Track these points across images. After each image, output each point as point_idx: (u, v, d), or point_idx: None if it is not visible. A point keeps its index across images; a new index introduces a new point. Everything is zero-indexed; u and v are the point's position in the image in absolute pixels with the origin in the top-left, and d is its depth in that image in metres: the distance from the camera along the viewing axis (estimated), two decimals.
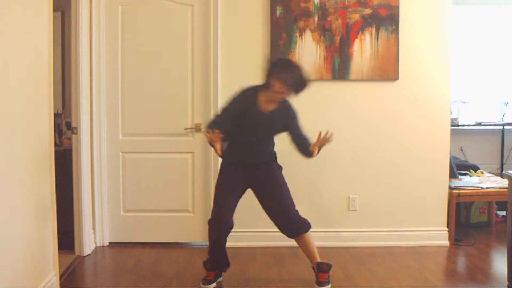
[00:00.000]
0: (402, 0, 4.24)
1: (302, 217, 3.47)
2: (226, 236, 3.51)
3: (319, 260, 3.52)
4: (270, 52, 4.22)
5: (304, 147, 3.41)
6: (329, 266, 3.53)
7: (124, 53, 4.31)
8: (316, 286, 3.46)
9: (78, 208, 4.09)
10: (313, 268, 3.55)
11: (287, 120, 3.42)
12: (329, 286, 3.47)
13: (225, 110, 3.44)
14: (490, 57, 6.90)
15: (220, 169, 3.57)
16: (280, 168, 3.54)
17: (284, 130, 3.46)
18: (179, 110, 4.35)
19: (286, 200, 3.46)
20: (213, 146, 3.37)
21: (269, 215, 3.50)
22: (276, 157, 3.55)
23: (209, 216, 4.36)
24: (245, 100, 3.39)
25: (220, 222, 3.44)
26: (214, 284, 3.52)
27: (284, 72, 3.25)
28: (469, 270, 3.95)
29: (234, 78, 4.28)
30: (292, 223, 3.45)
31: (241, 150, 3.46)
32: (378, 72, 4.27)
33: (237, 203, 3.50)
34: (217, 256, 3.55)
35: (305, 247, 3.52)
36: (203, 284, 3.50)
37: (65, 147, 4.21)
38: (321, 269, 3.50)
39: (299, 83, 3.29)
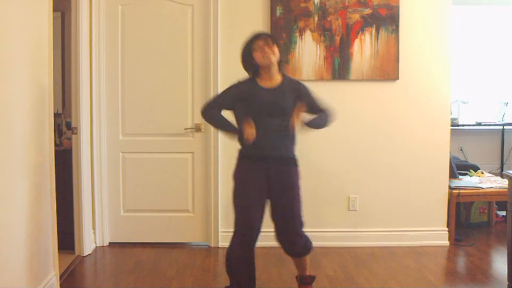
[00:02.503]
0: (402, 0, 4.24)
1: (305, 239, 3.15)
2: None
3: (306, 273, 3.30)
4: None
5: (320, 118, 3.15)
6: (313, 278, 3.34)
7: (124, 53, 4.31)
8: None
9: (78, 208, 4.09)
10: (297, 278, 3.37)
11: (298, 93, 3.09)
12: None
13: (223, 93, 3.21)
14: (490, 57, 6.90)
15: (237, 168, 3.14)
16: (299, 174, 3.16)
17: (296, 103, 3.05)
18: (179, 110, 4.35)
19: (294, 215, 3.10)
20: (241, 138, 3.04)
21: (273, 222, 3.16)
22: (297, 161, 3.17)
23: (210, 216, 4.38)
24: (242, 84, 3.14)
25: (250, 242, 3.09)
26: None
27: (250, 42, 3.09)
28: (469, 270, 3.95)
29: (234, 78, 4.26)
30: (292, 243, 3.14)
31: (258, 136, 2.97)
32: (378, 72, 4.27)
33: (263, 213, 3.12)
34: (245, 279, 3.13)
35: (298, 263, 3.28)
36: None
37: (65, 147, 4.21)
38: (304, 282, 3.30)
39: (263, 33, 3.12)
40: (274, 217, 3.14)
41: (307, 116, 3.09)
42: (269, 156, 3.06)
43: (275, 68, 3.07)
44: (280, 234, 3.14)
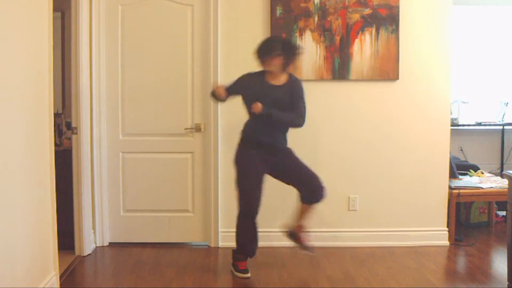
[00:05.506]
0: (402, 0, 4.24)
1: (323, 187, 3.71)
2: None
3: (302, 222, 3.80)
4: None
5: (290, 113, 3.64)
6: (305, 227, 3.84)
7: (124, 53, 4.31)
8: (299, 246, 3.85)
9: (78, 208, 4.09)
10: (289, 232, 3.87)
11: (292, 92, 3.61)
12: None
13: (235, 81, 3.69)
14: (490, 57, 6.90)
15: (238, 152, 3.68)
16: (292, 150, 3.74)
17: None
18: (179, 110, 4.35)
19: (309, 172, 3.68)
20: (216, 96, 3.64)
21: (297, 186, 3.69)
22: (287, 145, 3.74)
23: (210, 216, 4.39)
24: (252, 75, 3.65)
25: (252, 214, 3.64)
26: (249, 273, 3.71)
27: (262, 49, 3.57)
28: (469, 270, 3.95)
29: (234, 78, 4.28)
30: (316, 192, 3.68)
31: (260, 128, 3.60)
32: (378, 72, 4.27)
33: (262, 191, 3.66)
34: (250, 244, 3.73)
35: (304, 211, 3.75)
36: (242, 273, 3.69)
37: (65, 147, 4.21)
38: (300, 229, 3.82)
39: (264, 47, 3.57)
40: (293, 183, 3.70)
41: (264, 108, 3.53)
42: (263, 143, 3.60)
43: (275, 72, 3.60)
44: (305, 190, 3.67)
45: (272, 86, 3.60)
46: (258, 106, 3.48)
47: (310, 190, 3.66)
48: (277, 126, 3.62)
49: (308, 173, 3.67)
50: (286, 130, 3.70)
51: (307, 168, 3.68)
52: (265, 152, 3.62)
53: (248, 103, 3.61)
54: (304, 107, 3.62)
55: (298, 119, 3.61)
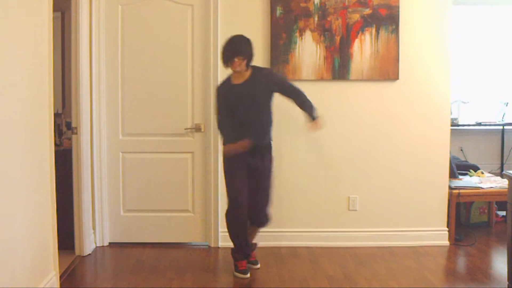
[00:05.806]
0: (402, 0, 4.24)
1: (269, 214, 3.80)
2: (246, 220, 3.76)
3: (253, 241, 3.92)
4: (270, 52, 4.22)
5: (302, 103, 3.68)
6: (256, 245, 3.96)
7: (124, 53, 4.31)
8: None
9: (78, 208, 4.09)
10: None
11: (267, 83, 3.63)
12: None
13: (217, 104, 3.79)
14: (490, 57, 6.90)
15: (224, 156, 3.76)
16: (272, 161, 3.79)
17: (270, 92, 3.66)
18: (179, 110, 4.35)
19: (266, 196, 3.75)
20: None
21: (251, 200, 3.71)
22: (271, 147, 3.77)
23: (210, 216, 4.39)
24: (220, 85, 3.79)
25: (241, 209, 3.67)
26: (249, 274, 3.73)
27: (223, 54, 3.60)
28: (469, 270, 3.95)
29: None
30: (261, 218, 3.77)
31: (240, 128, 3.65)
32: (378, 72, 4.27)
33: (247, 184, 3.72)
34: (244, 243, 3.75)
35: (252, 232, 3.86)
36: (242, 274, 3.70)
37: (65, 147, 4.21)
38: (252, 248, 3.90)
39: (232, 50, 3.57)
40: (251, 196, 3.70)
41: (307, 117, 3.66)
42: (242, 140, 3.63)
43: (240, 72, 3.64)
44: (252, 209, 3.71)
45: (235, 86, 3.66)
46: (317, 125, 3.63)
47: (257, 211, 3.72)
48: (252, 125, 3.66)
49: (265, 196, 3.73)
50: (263, 128, 3.70)
51: (268, 191, 3.75)
52: (246, 152, 3.64)
53: (225, 109, 3.71)
54: (291, 83, 3.71)
55: (301, 94, 3.67)
